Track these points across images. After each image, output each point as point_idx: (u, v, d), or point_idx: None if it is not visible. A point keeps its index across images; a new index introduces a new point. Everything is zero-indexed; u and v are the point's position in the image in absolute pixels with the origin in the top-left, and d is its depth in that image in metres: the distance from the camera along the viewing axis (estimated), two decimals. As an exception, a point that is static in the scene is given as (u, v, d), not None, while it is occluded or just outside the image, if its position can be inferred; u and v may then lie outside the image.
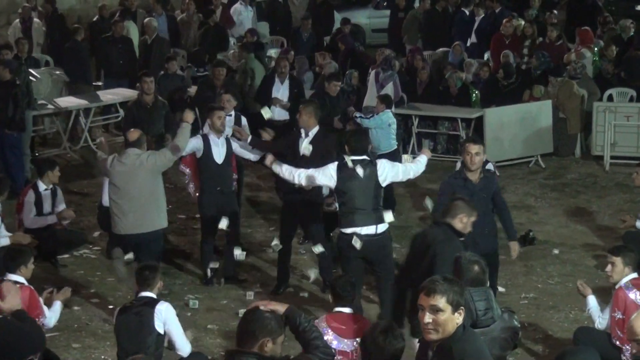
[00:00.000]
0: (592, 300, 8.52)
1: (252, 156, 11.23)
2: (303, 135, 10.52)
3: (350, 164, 9.14)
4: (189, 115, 10.08)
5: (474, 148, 9.23)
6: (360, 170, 9.15)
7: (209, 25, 19.27)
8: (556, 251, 11.83)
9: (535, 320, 9.93)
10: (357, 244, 9.07)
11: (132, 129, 10.35)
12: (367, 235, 9.15)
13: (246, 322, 5.47)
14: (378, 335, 5.99)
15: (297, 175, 9.52)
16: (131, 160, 9.78)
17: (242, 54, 16.76)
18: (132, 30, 18.48)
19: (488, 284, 6.53)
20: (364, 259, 9.36)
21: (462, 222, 7.97)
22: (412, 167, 9.58)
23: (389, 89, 14.77)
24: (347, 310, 7.47)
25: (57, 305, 8.64)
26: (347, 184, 9.20)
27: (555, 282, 11.01)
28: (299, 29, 19.69)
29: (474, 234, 8.37)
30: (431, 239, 8.01)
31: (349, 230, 9.24)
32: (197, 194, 11.02)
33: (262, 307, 5.53)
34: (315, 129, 10.49)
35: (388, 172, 9.33)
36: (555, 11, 20.26)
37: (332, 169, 9.30)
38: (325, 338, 6.75)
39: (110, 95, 16.72)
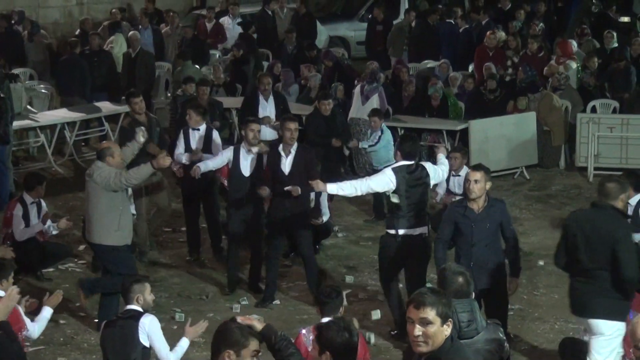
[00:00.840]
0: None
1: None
2: (284, 154, 10.61)
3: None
4: (163, 161, 9.90)
5: (473, 175, 8.86)
6: (412, 174, 9.61)
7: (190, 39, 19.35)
8: (541, 262, 11.82)
9: (521, 332, 9.93)
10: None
11: (104, 141, 10.32)
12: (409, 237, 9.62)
13: (214, 334, 5.44)
14: (330, 329, 5.82)
15: (360, 189, 9.65)
16: (91, 171, 9.80)
17: (178, 62, 16.77)
18: (121, 43, 18.45)
19: (473, 296, 6.51)
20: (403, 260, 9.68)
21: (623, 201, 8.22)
22: (443, 167, 10.22)
23: (374, 102, 14.79)
24: None
25: (46, 312, 8.44)
26: (401, 187, 9.52)
27: (541, 293, 11.03)
28: (283, 41, 19.71)
29: (474, 267, 8.38)
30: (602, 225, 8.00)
31: (402, 232, 9.63)
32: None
33: (239, 320, 5.47)
34: (296, 145, 10.64)
35: (435, 175, 9.92)
36: (536, 22, 20.30)
37: (389, 174, 9.59)
38: (311, 349, 6.75)
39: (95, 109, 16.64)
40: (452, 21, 20.51)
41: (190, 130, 11.94)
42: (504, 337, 6.42)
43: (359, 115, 14.63)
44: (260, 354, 5.39)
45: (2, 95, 13.59)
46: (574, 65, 17.45)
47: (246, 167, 10.93)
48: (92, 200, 9.87)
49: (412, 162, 9.77)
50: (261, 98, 13.72)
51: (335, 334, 5.76)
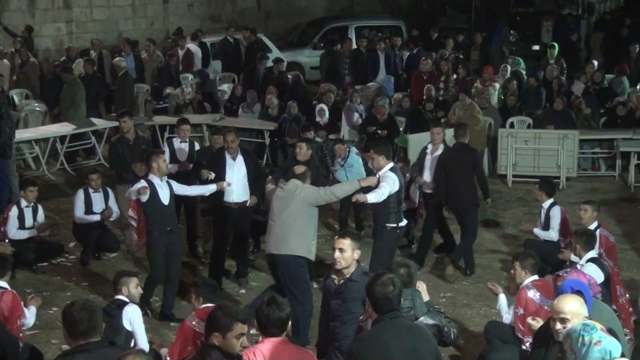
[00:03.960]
0: (502, 298, 8.58)
1: (200, 191, 10.61)
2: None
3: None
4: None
5: (338, 242, 6.91)
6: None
7: (163, 65, 19.24)
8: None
9: (452, 316, 9.88)
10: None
11: (298, 166, 9.75)
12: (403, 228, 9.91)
13: (206, 320, 5.44)
14: (263, 306, 5.74)
15: (383, 195, 9.36)
16: (292, 188, 9.23)
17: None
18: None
19: (416, 286, 6.50)
20: None
21: None
22: None
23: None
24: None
25: (33, 309, 8.52)
26: (401, 184, 9.75)
27: (469, 283, 11.08)
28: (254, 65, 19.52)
29: None
30: None
31: (403, 224, 9.81)
32: (142, 238, 10.12)
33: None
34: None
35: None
36: (461, 51, 20.46)
37: (393, 176, 9.61)
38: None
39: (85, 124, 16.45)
40: (394, 49, 20.62)
41: (177, 143, 11.97)
42: (442, 323, 6.39)
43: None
44: (244, 336, 5.32)
45: (2, 114, 13.42)
46: (496, 86, 17.60)
47: (163, 195, 9.87)
48: (291, 214, 9.06)
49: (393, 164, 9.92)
50: (228, 157, 10.65)
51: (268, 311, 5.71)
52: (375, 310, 5.44)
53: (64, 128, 16.02)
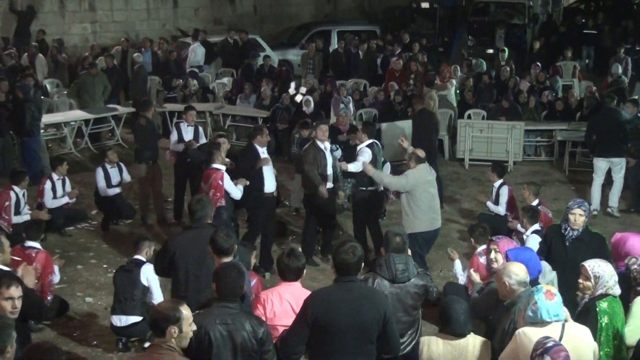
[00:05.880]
0: (457, 264, 8.64)
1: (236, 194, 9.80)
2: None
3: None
4: None
5: None
6: None
7: (167, 59, 19.00)
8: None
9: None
10: None
11: (418, 149, 9.80)
12: None
13: (152, 318, 4.82)
14: (284, 256, 5.86)
15: (360, 167, 9.71)
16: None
17: None
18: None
19: (409, 252, 6.45)
20: None
21: None
22: None
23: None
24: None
25: (56, 268, 8.48)
26: (377, 159, 10.07)
27: (432, 249, 11.07)
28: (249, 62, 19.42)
29: None
30: None
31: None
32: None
33: None
34: None
35: None
36: (425, 52, 20.34)
37: (368, 151, 9.91)
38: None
39: (105, 110, 16.38)
40: (371, 50, 20.57)
41: (184, 126, 11.88)
42: (429, 283, 6.40)
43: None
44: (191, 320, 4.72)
45: (29, 98, 13.32)
46: (453, 82, 17.60)
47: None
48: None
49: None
50: (260, 151, 9.99)
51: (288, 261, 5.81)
52: (336, 272, 5.39)
53: (87, 113, 15.89)
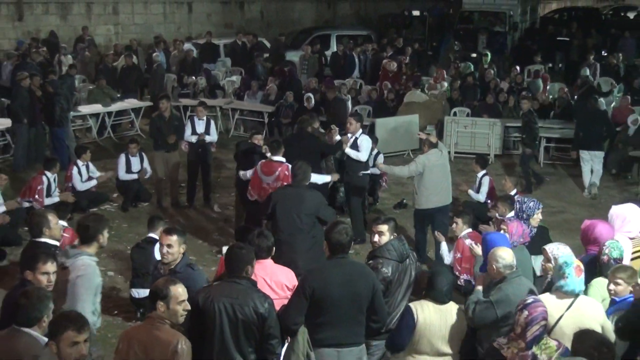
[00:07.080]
0: (444, 245, 8.63)
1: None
2: None
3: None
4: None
5: (166, 239, 5.73)
6: None
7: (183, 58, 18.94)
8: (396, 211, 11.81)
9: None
10: None
11: (432, 135, 10.09)
12: None
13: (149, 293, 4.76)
14: (254, 237, 5.78)
15: (361, 155, 10.18)
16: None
17: None
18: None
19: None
20: None
21: None
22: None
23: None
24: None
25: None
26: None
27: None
28: (254, 62, 19.38)
29: None
30: None
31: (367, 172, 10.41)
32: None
33: None
34: None
35: None
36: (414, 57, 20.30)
37: (367, 139, 10.36)
38: None
39: (125, 103, 16.35)
40: (366, 53, 20.54)
41: (196, 120, 11.81)
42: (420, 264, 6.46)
43: None
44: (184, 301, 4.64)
45: (59, 92, 13.30)
46: (445, 84, 17.57)
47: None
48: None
49: None
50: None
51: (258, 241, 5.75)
52: (329, 251, 5.41)
53: (107, 106, 15.86)
